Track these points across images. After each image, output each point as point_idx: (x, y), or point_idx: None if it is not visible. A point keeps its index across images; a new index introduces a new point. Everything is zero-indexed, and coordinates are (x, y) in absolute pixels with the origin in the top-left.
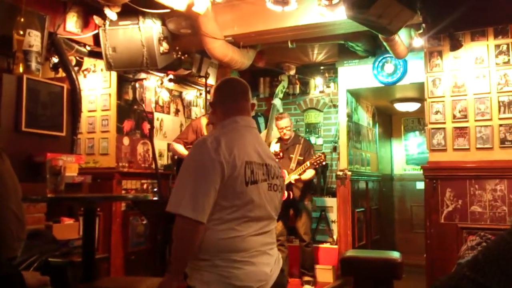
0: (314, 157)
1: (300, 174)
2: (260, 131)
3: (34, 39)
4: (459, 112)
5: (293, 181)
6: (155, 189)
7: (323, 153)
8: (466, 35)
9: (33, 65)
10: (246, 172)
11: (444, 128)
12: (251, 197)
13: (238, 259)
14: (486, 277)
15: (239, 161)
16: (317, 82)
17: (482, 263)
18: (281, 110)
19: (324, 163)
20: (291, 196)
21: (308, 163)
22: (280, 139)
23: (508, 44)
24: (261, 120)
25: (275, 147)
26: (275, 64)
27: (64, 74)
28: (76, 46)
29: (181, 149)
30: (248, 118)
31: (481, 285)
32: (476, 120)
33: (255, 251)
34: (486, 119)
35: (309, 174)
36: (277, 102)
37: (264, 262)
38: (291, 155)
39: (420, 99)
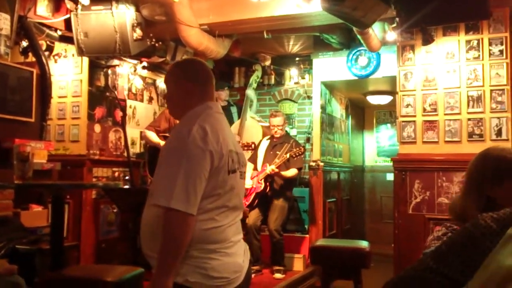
0: (294, 150)
1: (277, 166)
2: (232, 121)
3: (3, 22)
4: (429, 105)
5: (268, 172)
6: (127, 177)
7: (303, 146)
8: (438, 30)
9: (2, 49)
10: (229, 160)
11: (414, 121)
12: (231, 186)
13: (214, 250)
14: (450, 267)
15: (224, 149)
16: (292, 73)
17: (445, 254)
18: (254, 101)
19: (301, 156)
20: (267, 189)
21: (288, 154)
22: (271, 137)
23: (478, 40)
24: (234, 109)
25: (265, 143)
26: (250, 54)
27: (34, 59)
28: (47, 31)
29: (153, 137)
30: (218, 104)
31: (445, 275)
32: (445, 114)
33: (230, 242)
34: (455, 113)
35: (291, 172)
36: (250, 92)
37: (237, 253)
38: (278, 152)
39: (392, 92)
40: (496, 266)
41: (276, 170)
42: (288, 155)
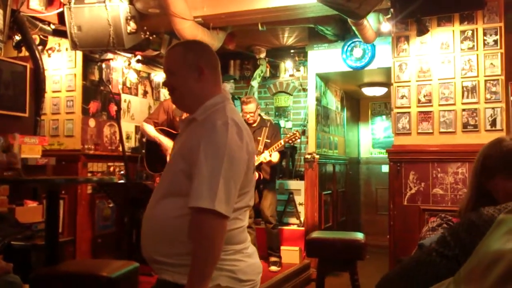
0: (289, 135)
1: (270, 153)
2: None
3: None
4: (424, 96)
5: (265, 160)
6: (122, 172)
7: (297, 130)
8: (433, 21)
9: None
10: (254, 159)
11: (409, 113)
12: (252, 185)
13: (240, 251)
14: (453, 250)
15: (253, 148)
16: (287, 66)
17: (449, 241)
18: (256, 94)
19: (299, 140)
20: (261, 177)
21: (282, 141)
22: (246, 124)
23: (473, 30)
24: (237, 103)
25: None
26: (245, 47)
27: (27, 53)
28: (40, 25)
29: (151, 131)
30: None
31: (450, 257)
32: (440, 105)
33: (248, 242)
34: (450, 103)
35: (276, 157)
36: (255, 84)
37: (254, 253)
38: (258, 138)
39: (387, 84)
40: (485, 250)
41: (270, 158)
42: (282, 142)
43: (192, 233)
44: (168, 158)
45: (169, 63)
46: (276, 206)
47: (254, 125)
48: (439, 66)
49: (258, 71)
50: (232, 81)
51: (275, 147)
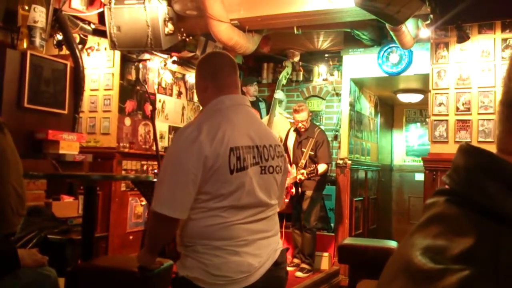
0: (309, 169)
1: (308, 175)
2: (261, 117)
3: (39, 15)
4: (463, 105)
5: (298, 180)
6: (155, 171)
7: (315, 166)
8: (474, 28)
9: (37, 41)
10: (230, 159)
11: (446, 120)
12: (238, 185)
13: (220, 247)
14: None
15: (222, 149)
16: (320, 70)
17: None
18: (284, 102)
19: (327, 149)
20: (300, 191)
21: (305, 172)
22: (297, 129)
23: None
24: (262, 105)
25: (292, 136)
26: (279, 50)
27: (67, 52)
28: (81, 24)
29: None
30: (236, 96)
31: None
32: (479, 114)
33: (242, 240)
34: (489, 112)
35: (321, 168)
36: (278, 96)
37: (251, 253)
38: (303, 149)
39: (424, 91)
40: None
41: (303, 178)
42: (305, 173)
43: None
44: None
45: None
46: (312, 212)
47: (302, 135)
48: (479, 74)
49: (283, 73)
50: (255, 83)
51: (303, 174)
